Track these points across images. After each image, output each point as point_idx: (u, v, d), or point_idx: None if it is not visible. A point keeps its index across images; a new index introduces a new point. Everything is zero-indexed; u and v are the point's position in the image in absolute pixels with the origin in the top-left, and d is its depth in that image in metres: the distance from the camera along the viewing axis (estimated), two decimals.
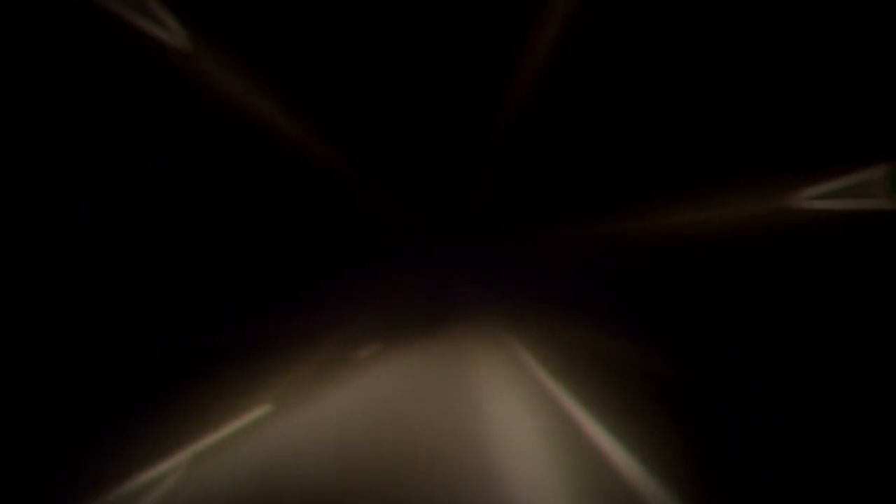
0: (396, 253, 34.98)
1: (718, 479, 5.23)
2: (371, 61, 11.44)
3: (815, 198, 8.00)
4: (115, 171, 12.02)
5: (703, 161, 10.27)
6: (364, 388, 9.37)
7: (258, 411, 7.63)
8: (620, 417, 7.05)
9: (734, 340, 9.93)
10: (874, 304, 7.27)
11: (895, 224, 6.90)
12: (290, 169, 17.06)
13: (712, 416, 7.42)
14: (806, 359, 8.13)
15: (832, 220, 7.70)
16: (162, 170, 12.96)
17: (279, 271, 21.81)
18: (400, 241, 34.71)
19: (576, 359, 12.31)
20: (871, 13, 6.18)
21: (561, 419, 7.23)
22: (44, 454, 5.91)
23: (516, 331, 19.16)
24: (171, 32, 9.29)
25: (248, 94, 12.17)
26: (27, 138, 10.14)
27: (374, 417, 7.49)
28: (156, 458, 5.64)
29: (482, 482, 5.05)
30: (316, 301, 23.43)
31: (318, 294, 24.32)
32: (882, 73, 6.47)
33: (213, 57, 10.21)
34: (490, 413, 7.73)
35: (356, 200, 24.51)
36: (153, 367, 11.42)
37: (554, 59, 10.55)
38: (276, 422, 7.19)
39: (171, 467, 5.50)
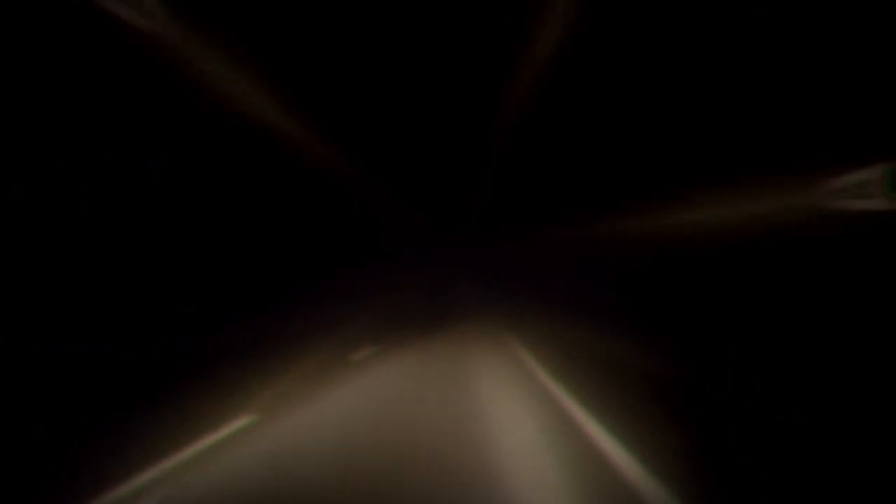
0: (396, 253, 34.79)
1: (718, 478, 5.23)
2: (371, 62, 11.44)
3: (814, 198, 8.00)
4: (115, 171, 12.03)
5: (703, 161, 10.27)
6: (364, 389, 9.37)
7: (259, 410, 7.63)
8: (620, 417, 7.05)
9: (734, 340, 9.94)
10: (874, 304, 7.27)
11: (894, 224, 6.90)
12: (291, 169, 17.06)
13: (712, 416, 7.42)
14: (806, 359, 8.13)
15: (832, 220, 7.70)
16: (162, 170, 12.97)
17: (279, 271, 21.77)
18: (400, 241, 34.49)
19: (576, 359, 12.32)
20: (871, 14, 6.18)
21: (561, 420, 7.23)
22: (44, 454, 5.91)
23: (516, 330, 19.18)
24: (171, 32, 9.29)
25: (248, 94, 12.18)
26: (27, 138, 10.14)
27: (374, 417, 7.49)
28: (155, 459, 5.64)
29: (482, 482, 5.05)
30: (316, 301, 23.38)
31: (318, 294, 24.26)
32: (881, 75, 6.47)
33: (213, 57, 10.22)
34: (490, 413, 7.73)
35: (356, 200, 24.46)
36: (153, 367, 11.43)
37: (554, 59, 10.56)
38: (276, 422, 7.19)
39: (170, 467, 5.51)
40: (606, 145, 13.09)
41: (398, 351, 13.73)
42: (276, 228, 20.39)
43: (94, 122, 10.64)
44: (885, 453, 5.48)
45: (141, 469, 5.38)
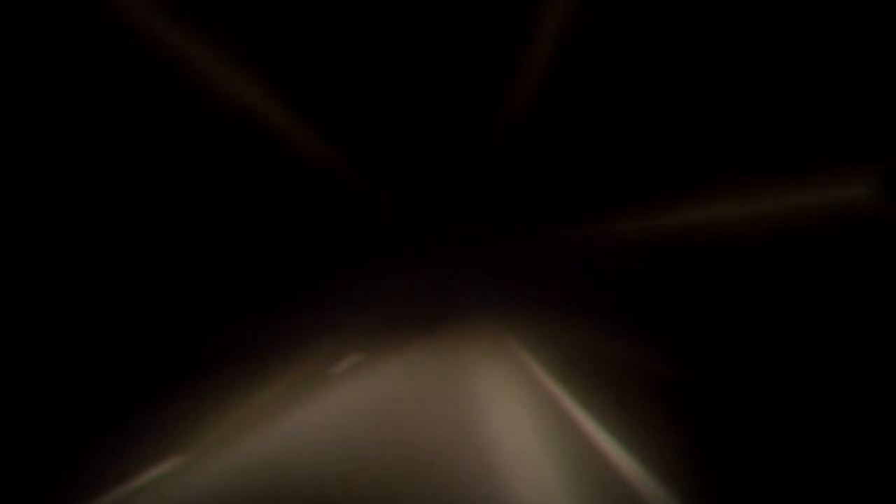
0: (396, 253, 34.76)
1: (718, 478, 5.23)
2: (371, 61, 11.44)
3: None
4: (115, 171, 12.03)
5: (703, 161, 10.27)
6: (364, 388, 9.37)
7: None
8: (620, 417, 7.05)
9: (734, 340, 9.94)
10: (874, 304, 7.27)
11: (894, 224, 6.90)
12: (291, 169, 17.07)
13: (712, 416, 7.42)
14: (806, 359, 8.13)
15: (832, 219, 7.70)
16: (162, 170, 12.97)
17: (279, 271, 21.75)
18: (400, 241, 34.47)
19: (576, 360, 12.32)
20: (870, 14, 6.18)
21: (562, 421, 7.23)
22: (44, 454, 5.90)
23: (516, 330, 19.18)
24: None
25: (248, 95, 12.18)
26: (27, 138, 10.14)
27: (374, 417, 7.49)
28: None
29: (482, 483, 5.05)
30: (316, 301, 23.35)
31: (318, 294, 24.24)
32: (881, 75, 6.47)
33: (213, 56, 10.22)
34: (490, 413, 7.73)
35: (356, 200, 24.45)
36: (153, 367, 11.43)
37: (554, 59, 10.56)
38: (277, 419, 7.18)
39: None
40: (606, 145, 13.08)
41: (398, 351, 13.73)
42: (276, 228, 20.39)
43: (94, 122, 10.64)
44: (885, 453, 5.48)
45: (141, 469, 5.37)
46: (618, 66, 9.87)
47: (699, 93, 8.94)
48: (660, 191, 12.52)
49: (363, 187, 21.86)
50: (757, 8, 6.97)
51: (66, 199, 11.65)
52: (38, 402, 8.07)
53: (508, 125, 14.36)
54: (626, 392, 8.80)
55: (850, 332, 7.49)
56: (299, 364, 11.25)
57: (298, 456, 5.88)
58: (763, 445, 6.09)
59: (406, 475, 5.28)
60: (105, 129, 10.93)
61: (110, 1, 8.23)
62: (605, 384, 9.56)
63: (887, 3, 6.05)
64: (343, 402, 8.42)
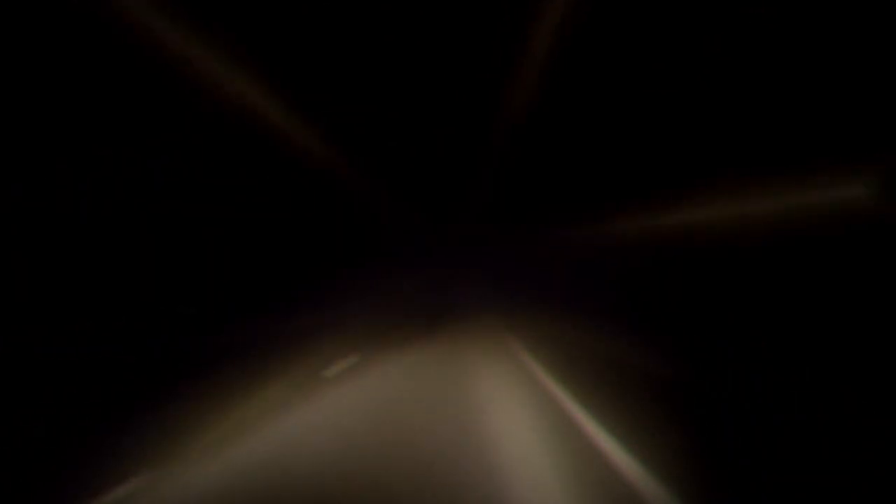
0: (396, 253, 34.76)
1: (718, 478, 5.23)
2: (371, 61, 11.44)
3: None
4: (115, 171, 12.03)
5: (703, 161, 10.27)
6: (365, 388, 9.37)
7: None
8: (620, 417, 7.05)
9: (734, 340, 9.94)
10: (873, 304, 7.27)
11: (894, 224, 6.90)
12: (291, 169, 17.06)
13: (712, 416, 7.42)
14: (805, 359, 8.13)
15: (832, 219, 7.70)
16: (162, 170, 12.97)
17: (279, 271, 21.74)
18: (400, 241, 34.47)
19: (576, 360, 12.33)
20: (870, 14, 6.18)
21: (562, 421, 7.23)
22: (44, 454, 5.90)
23: (516, 330, 19.19)
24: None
25: (249, 95, 12.18)
26: (27, 138, 10.14)
27: (374, 417, 7.49)
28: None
29: (482, 483, 5.05)
30: (316, 301, 23.34)
31: (319, 294, 24.23)
32: (881, 75, 6.47)
33: (213, 57, 10.22)
34: (490, 412, 7.73)
35: (356, 200, 24.44)
36: (153, 367, 11.42)
37: (554, 60, 10.56)
38: (277, 419, 7.18)
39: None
40: (607, 145, 13.08)
41: (398, 351, 13.73)
42: (276, 228, 20.39)
43: (94, 122, 10.64)
44: (885, 453, 5.47)
45: (141, 469, 5.37)
46: (618, 66, 9.87)
47: (699, 93, 8.94)
48: (660, 191, 12.51)
49: (363, 187, 21.86)
50: (757, 8, 6.97)
51: (66, 199, 11.64)
52: (38, 402, 8.07)
53: (508, 125, 14.36)
54: (625, 392, 8.80)
55: (850, 332, 7.49)
56: (299, 364, 11.25)
57: (298, 456, 5.87)
58: (763, 445, 6.09)
59: (406, 475, 5.28)
60: (105, 129, 10.93)
61: (110, 1, 8.23)
62: (605, 384, 9.56)
63: (887, 3, 6.05)
64: (344, 401, 8.41)
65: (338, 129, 14.96)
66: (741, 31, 7.42)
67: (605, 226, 17.56)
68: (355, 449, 6.09)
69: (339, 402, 8.39)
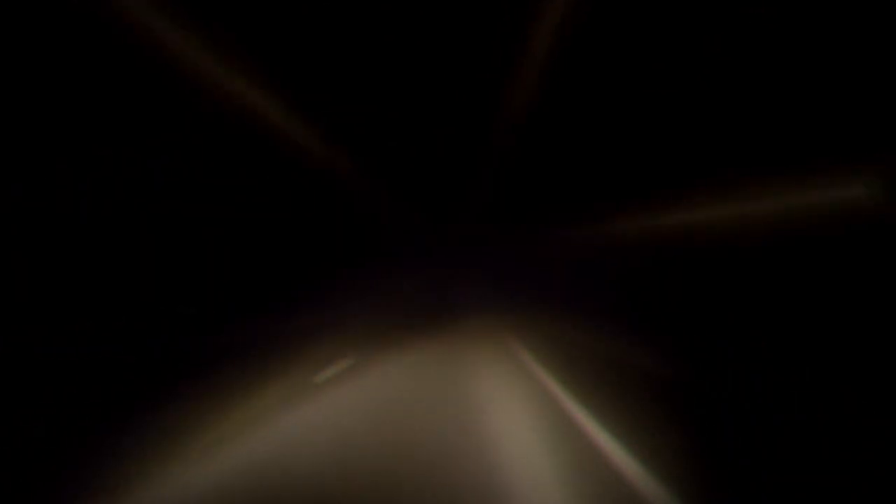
0: (396, 253, 34.77)
1: (718, 478, 5.23)
2: (371, 61, 11.44)
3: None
4: (115, 171, 12.02)
5: (703, 161, 10.27)
6: (365, 388, 9.37)
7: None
8: (620, 417, 7.06)
9: (734, 340, 9.94)
10: (873, 304, 7.27)
11: (895, 224, 6.90)
12: (291, 169, 17.06)
13: (712, 416, 7.43)
14: (805, 359, 8.13)
15: (832, 219, 7.70)
16: (162, 170, 12.97)
17: (279, 271, 21.73)
18: (400, 241, 34.47)
19: (576, 359, 12.34)
20: (871, 14, 6.18)
21: (562, 421, 7.23)
22: (44, 454, 5.90)
23: (516, 330, 19.20)
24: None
25: (249, 95, 12.17)
26: (27, 138, 10.14)
27: (374, 417, 7.49)
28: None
29: (482, 483, 5.05)
30: (316, 301, 23.33)
31: (318, 294, 24.22)
32: (881, 75, 6.47)
33: (213, 56, 10.22)
34: (490, 412, 7.73)
35: (356, 200, 24.43)
36: (153, 367, 11.43)
37: (554, 60, 10.55)
38: (277, 419, 7.19)
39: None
40: (607, 145, 13.08)
41: (398, 351, 13.73)
42: (276, 228, 20.39)
43: (94, 122, 10.64)
44: (885, 453, 5.47)
45: (141, 469, 5.37)
46: (618, 66, 9.87)
47: (699, 93, 8.94)
48: (660, 191, 12.51)
49: (363, 187, 21.86)
50: (757, 8, 6.97)
51: (66, 199, 11.64)
52: (38, 402, 8.07)
53: (508, 125, 14.36)
54: (625, 392, 8.80)
55: (850, 332, 7.49)
56: (299, 364, 11.25)
57: (298, 456, 5.87)
58: (763, 445, 6.09)
59: (406, 474, 5.28)
60: (105, 129, 10.93)
61: (110, 1, 8.23)
62: (605, 384, 9.56)
63: (887, 3, 6.05)
64: (344, 401, 8.42)
65: (338, 129, 14.96)
66: (741, 31, 7.41)
67: (605, 226, 17.55)
68: (355, 449, 6.09)
69: (339, 401, 8.39)
